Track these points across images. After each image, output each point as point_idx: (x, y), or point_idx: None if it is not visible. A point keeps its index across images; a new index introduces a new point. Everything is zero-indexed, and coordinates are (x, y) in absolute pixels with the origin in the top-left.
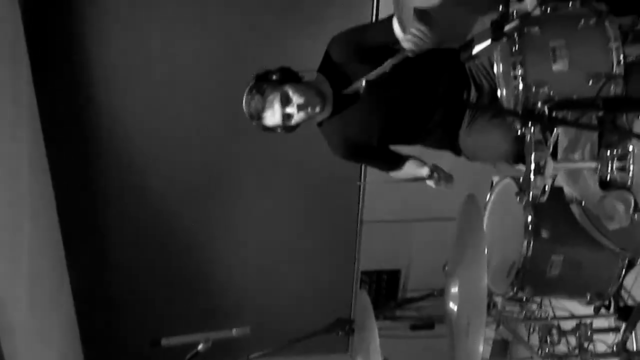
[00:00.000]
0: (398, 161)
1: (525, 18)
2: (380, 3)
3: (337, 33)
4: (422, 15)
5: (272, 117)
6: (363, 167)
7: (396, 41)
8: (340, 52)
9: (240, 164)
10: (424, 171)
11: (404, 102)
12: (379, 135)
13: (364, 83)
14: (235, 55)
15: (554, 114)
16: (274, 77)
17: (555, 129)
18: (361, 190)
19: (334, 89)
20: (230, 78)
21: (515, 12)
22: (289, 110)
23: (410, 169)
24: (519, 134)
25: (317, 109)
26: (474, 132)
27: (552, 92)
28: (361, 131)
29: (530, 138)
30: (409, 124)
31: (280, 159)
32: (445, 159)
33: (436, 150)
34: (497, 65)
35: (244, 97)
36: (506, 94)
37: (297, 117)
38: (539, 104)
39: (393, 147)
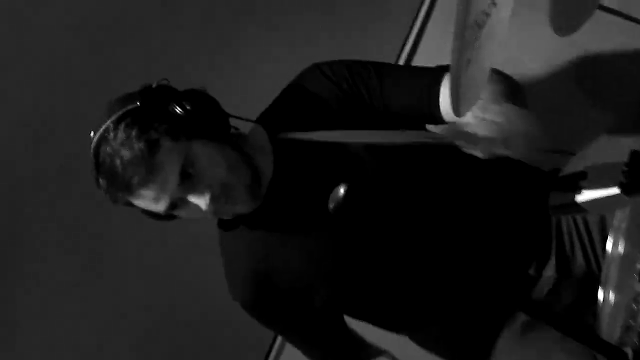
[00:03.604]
0: (352, 354)
1: None
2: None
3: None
4: (512, 89)
5: (155, 198)
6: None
7: (431, 119)
8: (329, 85)
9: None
10: None
11: (407, 238)
12: (331, 290)
13: (342, 191)
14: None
15: None
16: (177, 110)
17: None
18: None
19: (277, 163)
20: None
21: None
22: (192, 197)
23: None
24: None
25: (237, 207)
26: (530, 347)
27: None
28: (297, 271)
29: None
30: (403, 288)
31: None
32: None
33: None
34: (614, 241)
35: (101, 133)
36: (614, 301)
37: (201, 209)
38: None
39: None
